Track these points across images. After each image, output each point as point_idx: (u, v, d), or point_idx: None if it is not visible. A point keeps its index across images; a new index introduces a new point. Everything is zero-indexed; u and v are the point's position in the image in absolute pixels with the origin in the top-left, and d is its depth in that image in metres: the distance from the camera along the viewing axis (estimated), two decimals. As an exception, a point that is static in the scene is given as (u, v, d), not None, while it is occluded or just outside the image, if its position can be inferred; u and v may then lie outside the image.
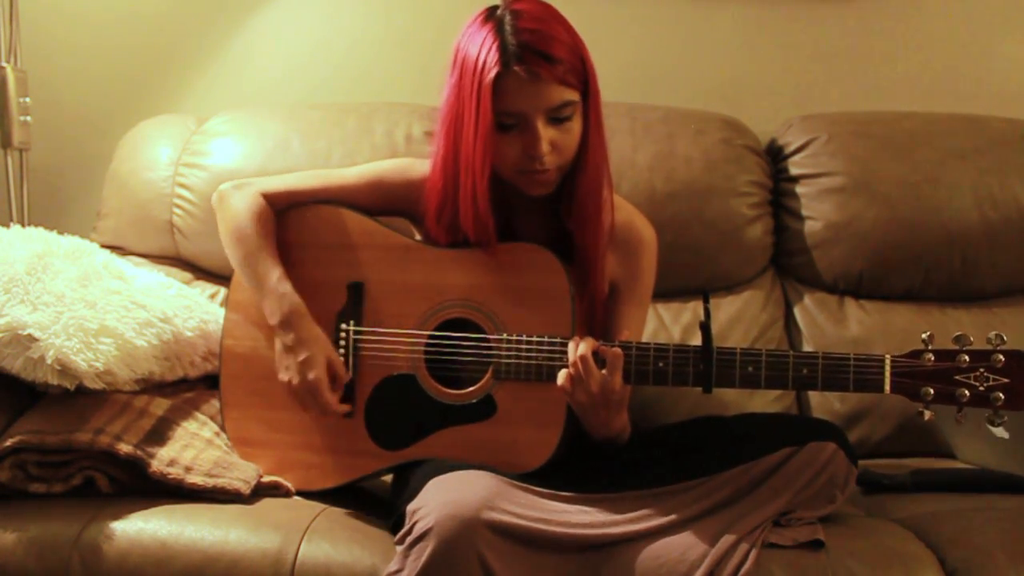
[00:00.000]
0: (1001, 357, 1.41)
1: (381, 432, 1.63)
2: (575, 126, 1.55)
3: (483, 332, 1.60)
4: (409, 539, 1.36)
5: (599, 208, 1.60)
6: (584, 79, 1.55)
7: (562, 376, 1.48)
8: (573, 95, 1.53)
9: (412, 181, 1.68)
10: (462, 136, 1.53)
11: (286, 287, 1.62)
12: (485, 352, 1.59)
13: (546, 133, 1.52)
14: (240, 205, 1.68)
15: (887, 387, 1.44)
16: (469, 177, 1.54)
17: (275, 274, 1.63)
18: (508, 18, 1.51)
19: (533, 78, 1.48)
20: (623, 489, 1.48)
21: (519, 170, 1.56)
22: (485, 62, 1.49)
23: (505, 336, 1.57)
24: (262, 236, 1.66)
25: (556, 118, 1.52)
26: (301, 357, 1.59)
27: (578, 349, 1.47)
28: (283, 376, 1.62)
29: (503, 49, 1.48)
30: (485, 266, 1.61)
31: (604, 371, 1.47)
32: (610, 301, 1.68)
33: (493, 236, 1.59)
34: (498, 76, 1.48)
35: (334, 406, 1.61)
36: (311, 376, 1.59)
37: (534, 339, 1.56)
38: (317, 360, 1.59)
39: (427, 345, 1.62)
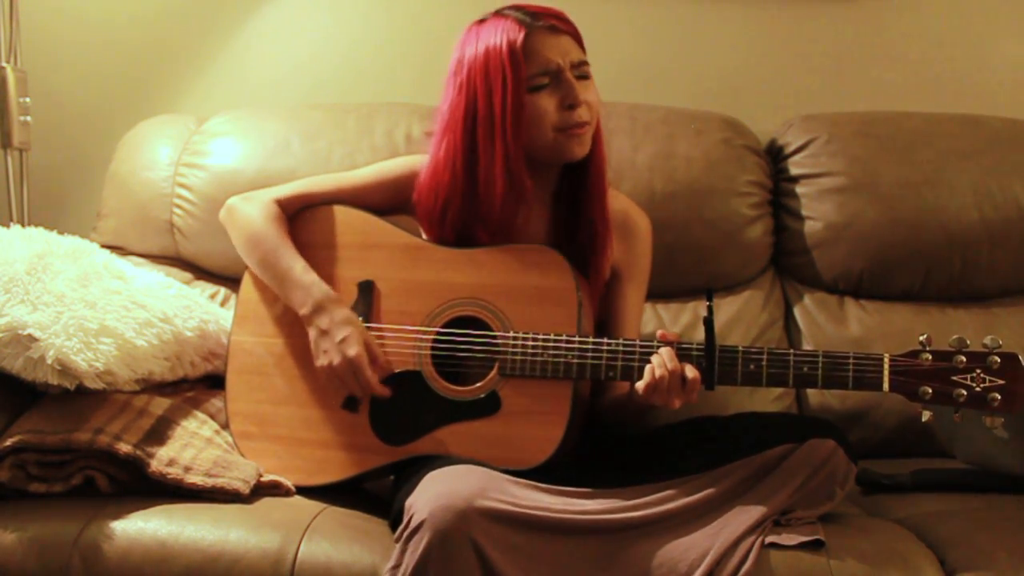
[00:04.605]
0: (997, 359, 1.44)
1: (385, 427, 1.63)
2: (595, 88, 1.65)
3: (490, 330, 1.60)
4: (405, 533, 1.36)
5: (605, 184, 1.69)
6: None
7: (651, 382, 1.49)
8: (586, 57, 1.64)
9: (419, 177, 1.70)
10: (480, 125, 1.59)
11: (312, 276, 1.64)
12: (491, 349, 1.59)
13: (578, 86, 1.61)
14: (252, 212, 1.71)
15: (886, 385, 1.46)
16: (501, 151, 1.59)
17: (299, 266, 1.65)
18: (511, 9, 1.61)
19: (557, 32, 1.61)
20: (624, 484, 1.48)
21: (558, 129, 1.61)
22: (507, 37, 1.58)
23: (512, 333, 1.58)
24: (279, 235, 1.68)
25: (580, 75, 1.62)
26: (339, 337, 1.60)
27: (679, 374, 1.49)
28: (322, 361, 1.61)
29: (521, 21, 1.60)
30: (493, 265, 1.62)
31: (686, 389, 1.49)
32: (612, 284, 1.74)
33: (528, 194, 1.62)
34: (526, 38, 1.58)
35: (375, 383, 1.61)
36: (352, 353, 1.59)
37: (540, 336, 1.56)
38: (355, 338, 1.60)
39: (434, 342, 1.62)
